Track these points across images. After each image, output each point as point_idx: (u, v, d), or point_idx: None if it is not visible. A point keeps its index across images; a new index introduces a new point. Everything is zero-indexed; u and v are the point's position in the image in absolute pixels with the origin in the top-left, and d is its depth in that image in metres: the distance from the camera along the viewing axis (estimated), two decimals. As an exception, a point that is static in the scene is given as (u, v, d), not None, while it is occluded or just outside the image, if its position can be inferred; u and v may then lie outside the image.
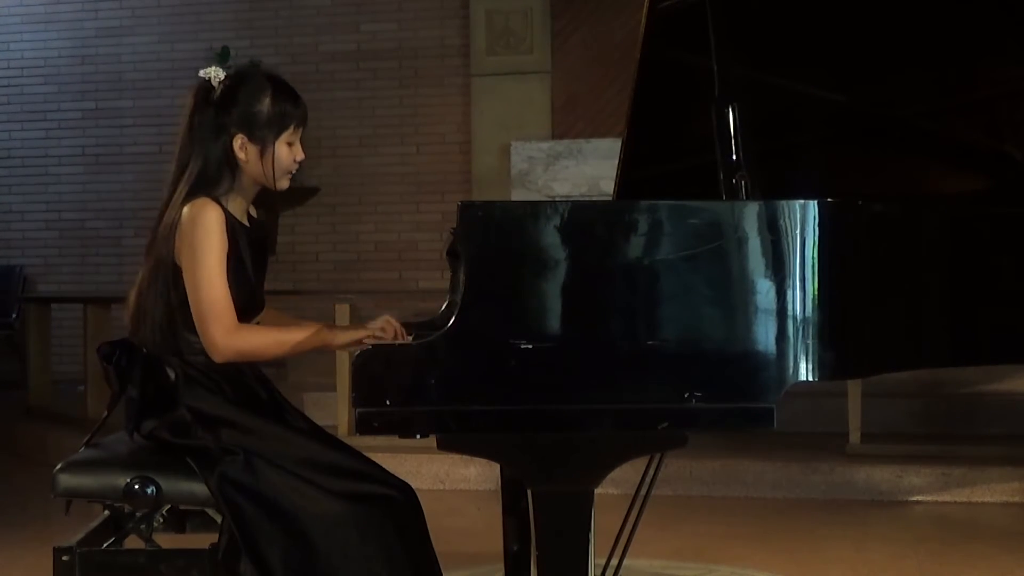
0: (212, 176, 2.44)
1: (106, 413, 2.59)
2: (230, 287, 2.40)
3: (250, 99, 2.44)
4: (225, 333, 2.37)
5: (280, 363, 6.45)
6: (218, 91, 2.45)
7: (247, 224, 2.53)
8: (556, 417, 2.16)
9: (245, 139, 2.44)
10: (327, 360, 5.80)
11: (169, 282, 2.42)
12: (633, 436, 2.21)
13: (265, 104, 2.44)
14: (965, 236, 2.49)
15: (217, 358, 2.39)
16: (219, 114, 2.43)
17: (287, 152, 2.47)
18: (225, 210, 2.43)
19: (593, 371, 2.15)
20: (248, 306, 2.49)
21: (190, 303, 2.39)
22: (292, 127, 2.47)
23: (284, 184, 2.50)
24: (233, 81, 2.47)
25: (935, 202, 2.91)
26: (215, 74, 2.46)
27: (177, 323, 2.43)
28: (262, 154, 2.44)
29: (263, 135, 2.44)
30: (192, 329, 2.42)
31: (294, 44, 8.86)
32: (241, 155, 2.44)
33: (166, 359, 2.44)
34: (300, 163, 2.50)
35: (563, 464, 2.18)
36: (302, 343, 2.42)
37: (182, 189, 2.43)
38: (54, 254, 9.39)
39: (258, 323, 2.56)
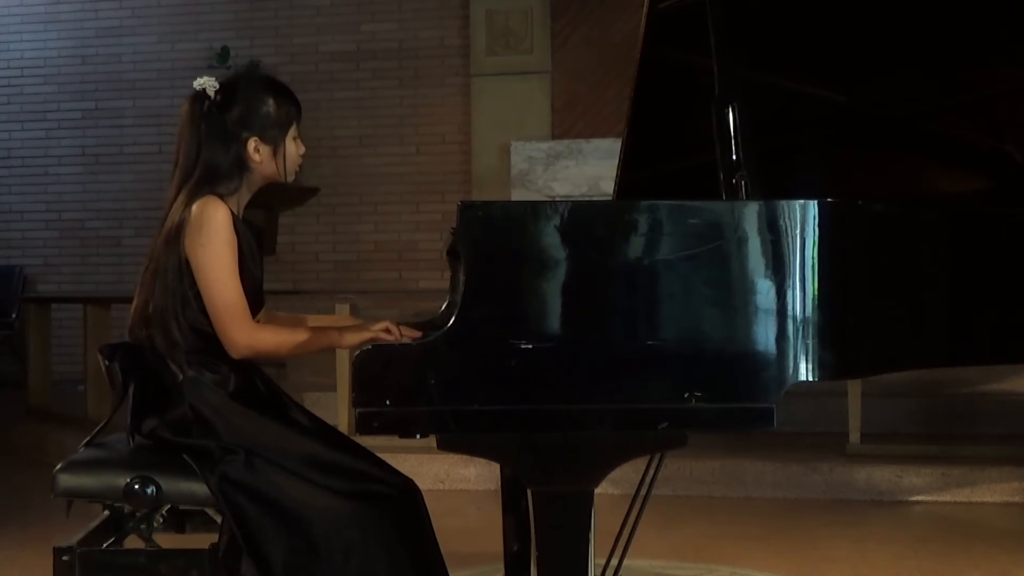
0: (220, 178, 2.49)
1: (109, 415, 2.60)
2: (241, 283, 2.43)
3: (256, 103, 2.51)
4: (243, 333, 2.42)
5: (280, 363, 6.45)
6: (217, 99, 2.50)
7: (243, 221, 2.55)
8: (556, 417, 2.16)
9: (258, 141, 2.50)
10: (327, 360, 5.80)
11: (181, 274, 2.43)
12: (633, 436, 2.21)
13: (271, 105, 2.52)
14: (965, 236, 2.48)
15: (235, 355, 2.44)
16: (227, 121, 2.49)
17: (294, 147, 2.57)
18: (229, 209, 2.46)
19: (593, 371, 2.15)
20: (253, 302, 2.51)
21: (205, 304, 2.42)
22: (296, 123, 2.57)
23: (292, 177, 2.60)
24: (231, 88, 2.52)
25: (935, 202, 2.91)
26: (209, 83, 2.52)
27: (182, 314, 2.44)
28: (275, 153, 2.53)
29: (275, 135, 2.52)
30: (197, 320, 2.43)
31: (294, 44, 8.86)
32: (256, 157, 2.51)
33: (171, 357, 2.45)
34: (303, 155, 2.61)
35: (563, 464, 2.18)
36: (311, 343, 2.49)
37: (188, 190, 2.46)
38: (54, 254, 9.39)
39: (257, 322, 2.57)
